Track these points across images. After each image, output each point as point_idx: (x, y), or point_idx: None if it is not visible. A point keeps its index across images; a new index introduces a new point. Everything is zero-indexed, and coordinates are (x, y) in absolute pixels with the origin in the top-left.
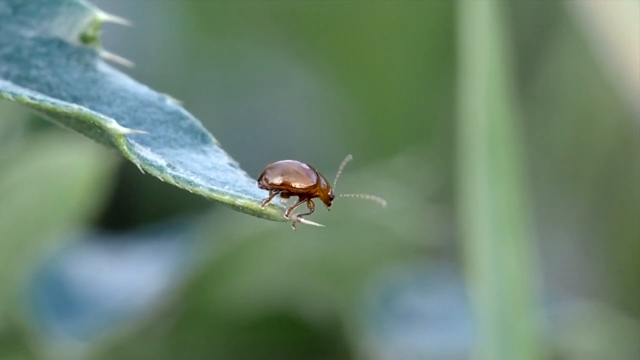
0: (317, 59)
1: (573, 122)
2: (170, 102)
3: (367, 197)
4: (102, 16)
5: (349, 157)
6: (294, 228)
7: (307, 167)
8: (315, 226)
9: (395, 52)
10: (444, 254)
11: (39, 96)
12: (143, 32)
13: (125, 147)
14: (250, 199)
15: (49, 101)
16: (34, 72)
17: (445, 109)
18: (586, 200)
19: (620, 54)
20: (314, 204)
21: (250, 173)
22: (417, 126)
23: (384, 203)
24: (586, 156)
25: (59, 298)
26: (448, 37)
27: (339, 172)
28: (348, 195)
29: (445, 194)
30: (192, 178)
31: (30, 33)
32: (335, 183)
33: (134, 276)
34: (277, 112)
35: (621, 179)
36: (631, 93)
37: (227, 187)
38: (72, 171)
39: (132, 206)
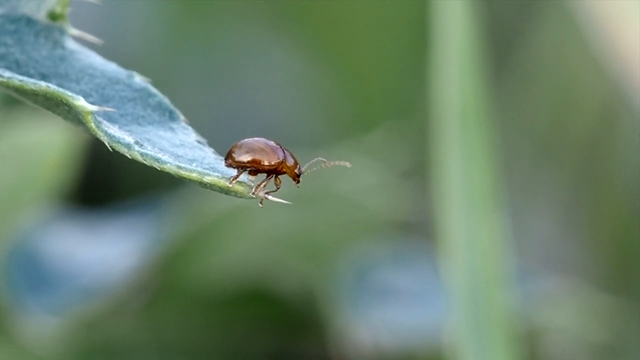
0: (298, 37)
1: (556, 98)
2: (139, 80)
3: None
4: None
5: (319, 159)
6: (260, 205)
7: (274, 144)
8: (288, 203)
9: (374, 30)
10: (418, 230)
11: (7, 74)
12: (123, 12)
13: (92, 125)
14: (217, 176)
15: (16, 79)
16: (2, 50)
17: (424, 85)
18: (567, 178)
19: (606, 28)
20: (280, 181)
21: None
22: (397, 103)
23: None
24: (568, 133)
25: (32, 274)
26: (427, 14)
27: (313, 166)
28: (314, 168)
29: (420, 171)
30: (159, 155)
31: None
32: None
33: (107, 252)
34: (258, 91)
35: (603, 156)
36: (616, 68)
37: (194, 164)
38: (44, 148)
39: (106, 182)
